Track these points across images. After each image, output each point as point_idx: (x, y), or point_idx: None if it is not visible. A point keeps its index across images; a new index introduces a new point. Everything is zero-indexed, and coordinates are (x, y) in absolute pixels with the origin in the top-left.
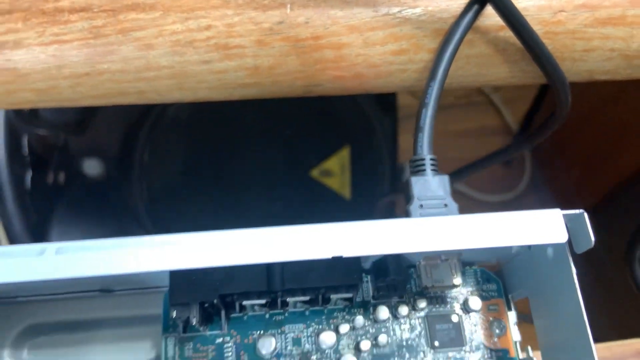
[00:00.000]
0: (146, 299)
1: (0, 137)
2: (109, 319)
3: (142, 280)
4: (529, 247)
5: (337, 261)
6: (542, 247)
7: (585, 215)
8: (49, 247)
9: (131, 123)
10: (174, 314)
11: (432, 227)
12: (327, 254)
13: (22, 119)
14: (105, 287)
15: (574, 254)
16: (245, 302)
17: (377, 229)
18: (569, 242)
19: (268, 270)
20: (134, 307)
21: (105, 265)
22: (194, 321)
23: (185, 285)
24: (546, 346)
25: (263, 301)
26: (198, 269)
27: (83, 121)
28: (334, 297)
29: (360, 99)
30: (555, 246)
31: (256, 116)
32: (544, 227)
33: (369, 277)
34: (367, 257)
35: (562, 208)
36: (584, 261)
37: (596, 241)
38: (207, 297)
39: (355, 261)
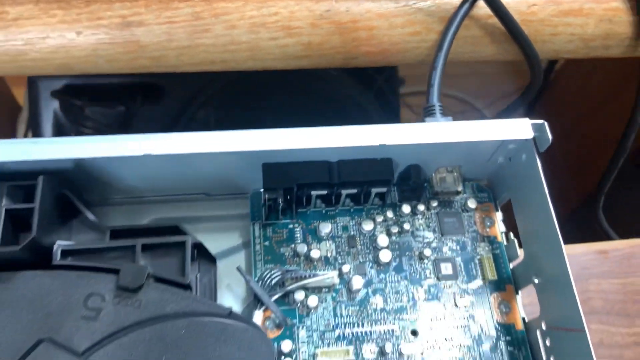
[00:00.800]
0: (236, 203)
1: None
2: (209, 216)
3: (233, 186)
4: (510, 158)
5: (375, 162)
6: (518, 156)
7: (546, 123)
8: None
9: (166, 124)
10: (266, 196)
11: (439, 126)
12: (375, 143)
13: (70, 119)
14: (207, 192)
15: None
16: (312, 192)
17: (406, 128)
18: (535, 145)
19: (329, 168)
20: (227, 209)
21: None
22: (280, 202)
23: (274, 175)
24: (524, 234)
25: (325, 192)
26: (282, 163)
27: (125, 121)
28: (373, 190)
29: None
30: (527, 151)
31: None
32: (517, 127)
33: (396, 187)
34: (397, 165)
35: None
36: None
37: None
38: (288, 184)
39: (388, 163)
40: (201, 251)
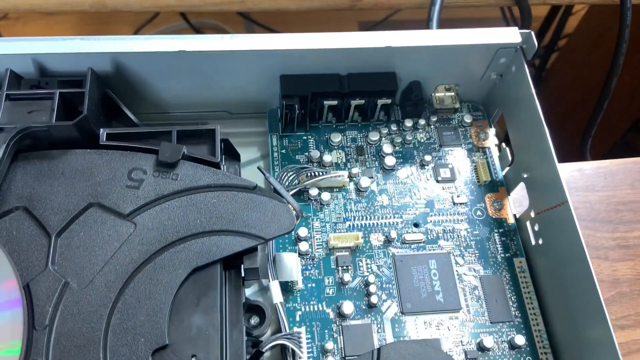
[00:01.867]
0: (255, 122)
1: None
2: (231, 133)
3: (252, 105)
4: (501, 75)
5: (381, 75)
6: (508, 70)
7: (532, 33)
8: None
9: None
10: (283, 102)
11: (437, 33)
12: (381, 44)
13: None
14: (229, 110)
15: None
16: (325, 102)
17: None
18: (523, 53)
19: (340, 79)
20: (248, 126)
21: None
22: (296, 109)
23: (291, 84)
24: (515, 141)
25: (335, 102)
26: (299, 75)
27: None
28: (379, 102)
29: None
30: (516, 62)
31: None
32: (506, 34)
33: (399, 106)
34: (400, 80)
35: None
36: None
37: None
38: (304, 92)
39: (392, 76)
40: (227, 146)
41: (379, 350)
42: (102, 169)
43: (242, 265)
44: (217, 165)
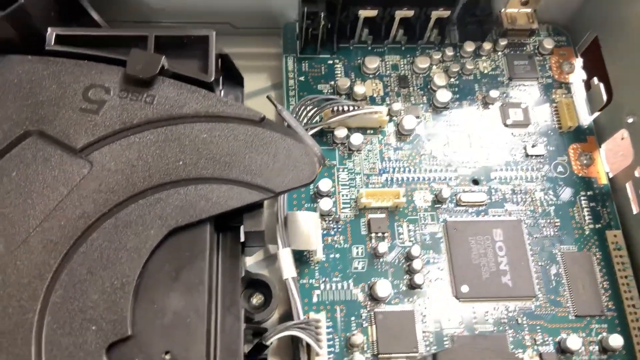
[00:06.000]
0: (266, 40)
1: None
2: (235, 53)
3: (263, 17)
4: None
5: None
6: None
7: None
8: None
9: None
10: (304, 9)
11: None
12: None
13: None
14: (232, 22)
15: None
16: (360, 13)
17: None
18: None
19: None
20: (256, 45)
21: None
22: (321, 21)
23: None
24: (615, 75)
25: (374, 13)
26: None
27: None
28: (433, 14)
29: None
30: None
31: None
32: None
33: (456, 25)
34: None
35: None
36: None
37: None
38: None
39: None
40: (227, 65)
41: (434, 356)
42: (47, 84)
43: (242, 227)
44: (209, 87)
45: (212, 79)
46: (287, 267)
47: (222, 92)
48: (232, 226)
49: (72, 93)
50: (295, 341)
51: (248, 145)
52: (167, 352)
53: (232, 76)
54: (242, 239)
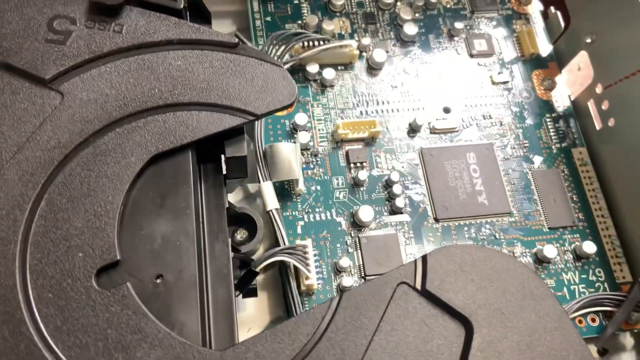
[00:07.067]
0: None
1: None
2: None
3: None
4: None
5: None
6: None
7: None
8: None
9: None
10: None
11: None
12: None
13: None
14: None
15: None
16: None
17: None
18: None
19: None
20: None
21: None
22: None
23: None
24: (573, 3)
25: None
26: None
27: None
28: None
29: None
30: None
31: None
32: None
33: None
34: None
35: None
36: None
37: None
38: None
39: None
40: (193, 1)
41: (424, 258)
42: (10, 17)
43: (223, 156)
44: (179, 15)
45: (182, 5)
46: (270, 199)
47: None
48: (213, 155)
49: (37, 25)
50: (282, 269)
51: (225, 71)
52: (159, 276)
53: (198, 12)
54: (225, 170)
